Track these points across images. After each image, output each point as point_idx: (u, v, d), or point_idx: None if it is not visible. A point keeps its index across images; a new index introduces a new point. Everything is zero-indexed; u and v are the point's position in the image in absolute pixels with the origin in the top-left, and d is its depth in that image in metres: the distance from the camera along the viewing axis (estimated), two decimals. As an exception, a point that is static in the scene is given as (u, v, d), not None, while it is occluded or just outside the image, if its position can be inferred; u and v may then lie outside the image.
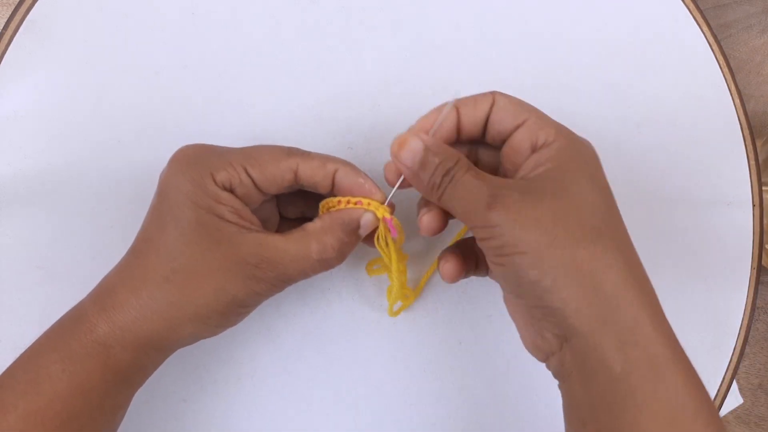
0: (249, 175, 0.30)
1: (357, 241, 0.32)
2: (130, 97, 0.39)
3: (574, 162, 0.28)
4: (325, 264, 0.31)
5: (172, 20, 0.40)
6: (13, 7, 0.39)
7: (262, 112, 0.40)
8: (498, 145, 0.31)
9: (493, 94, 0.30)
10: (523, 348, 0.32)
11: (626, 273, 0.26)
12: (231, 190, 0.30)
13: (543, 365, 0.30)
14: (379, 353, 0.39)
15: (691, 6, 0.43)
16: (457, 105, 0.30)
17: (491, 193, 0.27)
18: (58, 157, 0.39)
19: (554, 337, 0.28)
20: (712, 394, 0.42)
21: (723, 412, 0.43)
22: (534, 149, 0.29)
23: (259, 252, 0.29)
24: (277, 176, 0.30)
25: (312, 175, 0.31)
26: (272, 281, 0.30)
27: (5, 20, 0.39)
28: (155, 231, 0.30)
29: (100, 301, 0.29)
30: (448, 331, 0.39)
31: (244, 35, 0.40)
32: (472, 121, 0.30)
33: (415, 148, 0.29)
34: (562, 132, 0.29)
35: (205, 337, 0.31)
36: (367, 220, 0.31)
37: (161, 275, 0.28)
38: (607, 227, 0.27)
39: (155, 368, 0.31)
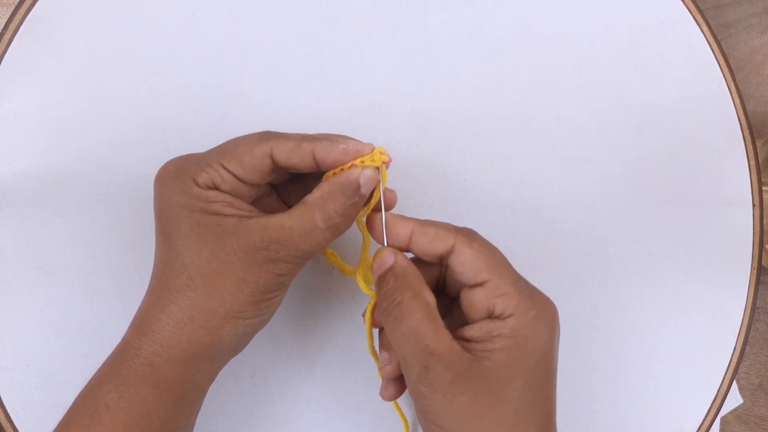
0: (228, 170, 0.30)
1: (362, 200, 0.31)
2: (130, 97, 0.39)
3: (523, 349, 0.28)
4: (335, 230, 0.30)
5: (172, 20, 0.40)
6: (13, 7, 0.39)
7: (262, 112, 0.40)
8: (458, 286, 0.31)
9: (455, 237, 0.29)
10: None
11: None
12: (216, 189, 0.30)
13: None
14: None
15: (691, 6, 0.43)
16: (414, 228, 0.30)
17: (426, 359, 0.27)
18: (58, 157, 0.39)
19: None
20: (712, 394, 0.42)
21: (723, 412, 0.43)
22: (489, 316, 0.29)
23: (265, 235, 0.29)
24: (255, 165, 0.30)
25: (288, 157, 0.30)
26: (288, 260, 0.29)
27: (5, 20, 0.39)
28: (164, 249, 0.30)
29: (138, 328, 0.30)
30: (448, 331, 0.39)
31: (244, 36, 0.40)
32: (425, 252, 0.30)
33: (383, 262, 0.30)
34: (522, 304, 0.28)
35: (249, 335, 0.31)
36: (366, 176, 0.30)
37: (181, 285, 0.29)
38: (528, 427, 0.28)
39: (210, 382, 0.31)
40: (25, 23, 0.39)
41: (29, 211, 0.38)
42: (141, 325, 0.29)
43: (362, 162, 0.30)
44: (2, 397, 0.37)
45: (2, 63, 0.39)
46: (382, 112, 0.40)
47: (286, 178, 0.34)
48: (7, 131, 0.38)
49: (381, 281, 0.30)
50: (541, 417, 0.28)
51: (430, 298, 0.29)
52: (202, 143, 0.39)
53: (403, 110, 0.40)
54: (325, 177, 0.31)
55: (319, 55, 0.40)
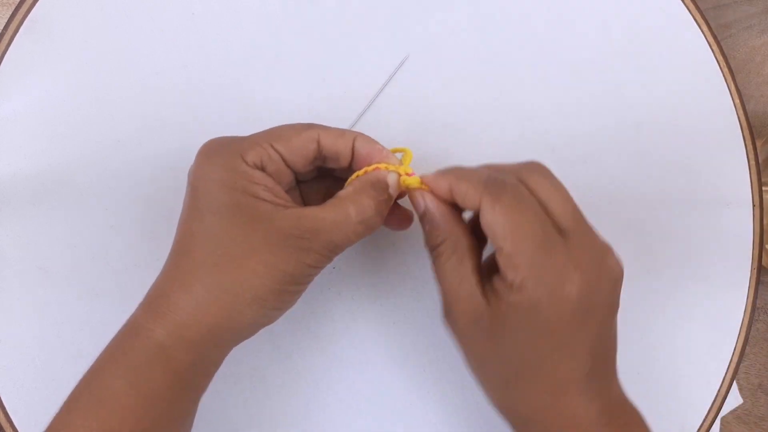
0: (276, 150, 0.30)
1: (390, 200, 0.32)
2: (130, 97, 0.39)
3: (528, 317, 0.28)
4: (367, 224, 0.30)
5: (172, 20, 0.40)
6: (13, 7, 0.39)
7: (262, 113, 0.40)
8: None
9: (482, 196, 0.29)
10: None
11: None
12: (262, 168, 0.30)
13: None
14: (379, 353, 0.39)
15: (691, 6, 0.43)
16: (451, 185, 0.30)
17: (449, 301, 0.30)
18: (58, 157, 0.39)
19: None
20: (712, 394, 0.42)
21: (723, 412, 0.43)
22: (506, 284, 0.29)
23: (300, 224, 0.29)
24: (302, 147, 0.31)
25: (333, 143, 0.31)
26: (319, 251, 0.29)
27: (5, 20, 0.39)
28: (194, 223, 0.29)
29: (153, 307, 0.28)
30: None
31: (244, 36, 0.40)
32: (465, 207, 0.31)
33: (417, 204, 0.31)
34: (531, 281, 0.27)
35: (262, 325, 0.30)
36: (393, 179, 0.32)
37: (210, 263, 0.28)
38: (532, 387, 0.30)
39: (216, 368, 0.31)
40: (25, 23, 0.39)
41: (29, 211, 0.38)
42: (157, 303, 0.28)
43: (386, 167, 0.32)
44: (2, 397, 0.37)
45: (2, 63, 0.39)
46: (382, 112, 0.40)
47: (312, 177, 0.34)
48: (7, 131, 0.38)
49: (421, 220, 0.32)
50: (548, 384, 0.29)
51: (465, 240, 0.30)
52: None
53: (403, 110, 0.40)
54: (348, 181, 0.32)
55: (320, 55, 0.40)
